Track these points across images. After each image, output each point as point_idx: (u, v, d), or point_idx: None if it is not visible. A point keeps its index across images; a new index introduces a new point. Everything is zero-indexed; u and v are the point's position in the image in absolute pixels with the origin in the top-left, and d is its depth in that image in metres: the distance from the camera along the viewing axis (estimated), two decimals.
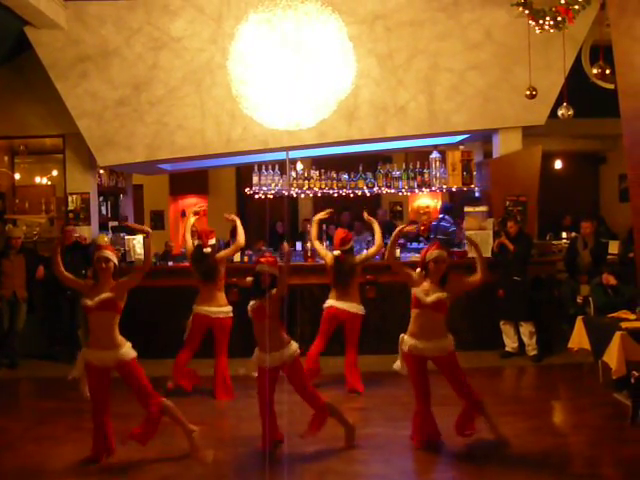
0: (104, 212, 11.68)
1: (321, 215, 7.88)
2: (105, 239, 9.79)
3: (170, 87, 9.59)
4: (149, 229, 6.29)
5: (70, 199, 10.35)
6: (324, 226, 9.37)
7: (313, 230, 7.91)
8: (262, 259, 5.84)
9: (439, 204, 15.42)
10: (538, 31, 7.49)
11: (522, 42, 8.34)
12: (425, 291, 5.78)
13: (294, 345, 5.83)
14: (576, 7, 7.04)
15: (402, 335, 5.94)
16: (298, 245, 10.16)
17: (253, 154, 10.20)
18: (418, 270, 5.95)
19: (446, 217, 11.38)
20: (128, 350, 5.66)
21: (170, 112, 9.63)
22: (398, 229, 6.28)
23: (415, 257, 9.75)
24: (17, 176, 12.71)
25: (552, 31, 7.43)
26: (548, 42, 8.53)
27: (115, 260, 5.71)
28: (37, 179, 13.02)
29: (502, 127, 9.90)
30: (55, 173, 12.64)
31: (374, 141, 10.25)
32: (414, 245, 11.08)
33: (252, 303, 5.80)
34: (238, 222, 7.75)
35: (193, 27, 9.48)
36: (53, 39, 9.39)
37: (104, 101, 9.58)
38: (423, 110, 9.72)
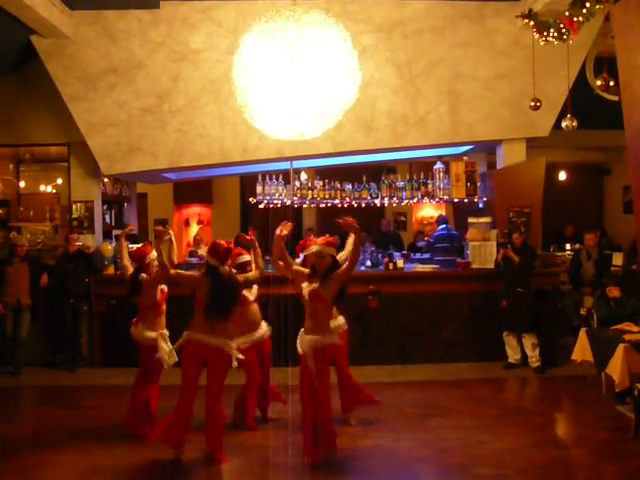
0: (108, 220, 11.69)
1: (282, 231, 6.15)
2: (109, 247, 9.82)
3: (190, 97, 9.73)
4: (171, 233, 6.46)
5: (74, 207, 10.36)
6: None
7: (275, 248, 6.19)
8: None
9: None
10: (542, 43, 7.48)
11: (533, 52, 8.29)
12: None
13: (232, 342, 5.86)
14: (580, 19, 7.04)
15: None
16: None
17: (263, 163, 10.23)
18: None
19: (448, 226, 11.42)
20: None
21: (190, 121, 9.76)
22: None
23: (419, 268, 9.78)
24: (22, 184, 12.81)
25: (556, 43, 7.43)
26: (553, 54, 8.51)
27: None
28: (42, 187, 13.11)
29: (506, 138, 9.90)
30: (60, 181, 12.71)
31: (391, 151, 10.28)
32: (417, 256, 11.07)
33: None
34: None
35: (211, 39, 9.66)
36: (83, 54, 9.59)
37: (129, 111, 9.70)
38: (444, 121, 9.72)
